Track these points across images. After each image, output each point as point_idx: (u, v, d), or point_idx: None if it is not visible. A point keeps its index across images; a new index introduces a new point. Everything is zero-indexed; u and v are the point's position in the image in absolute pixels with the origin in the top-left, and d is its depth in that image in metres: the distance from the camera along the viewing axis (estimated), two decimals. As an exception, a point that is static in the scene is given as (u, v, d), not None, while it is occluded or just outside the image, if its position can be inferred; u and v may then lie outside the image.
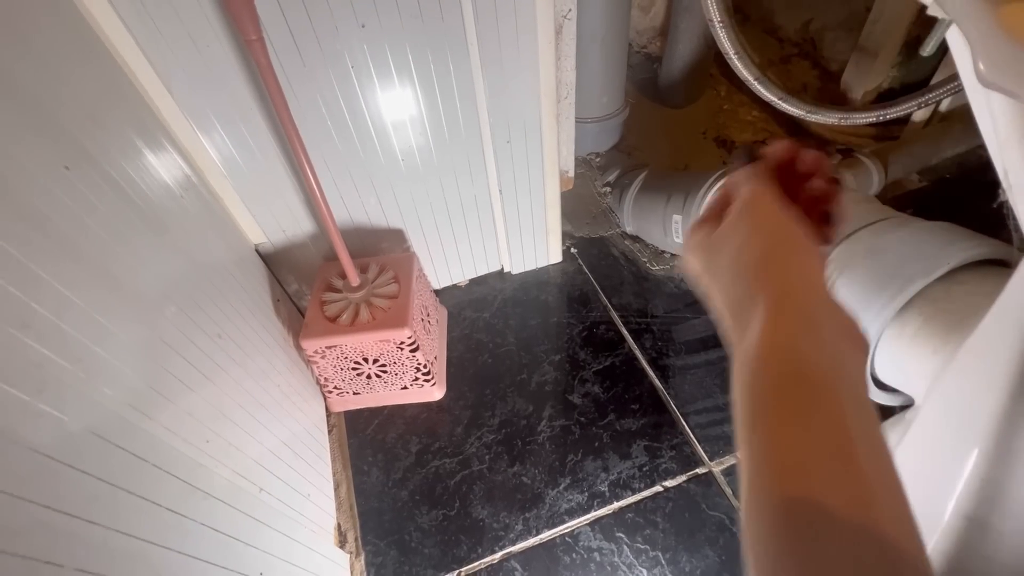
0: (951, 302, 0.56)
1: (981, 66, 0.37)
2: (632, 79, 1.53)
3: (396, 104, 0.83)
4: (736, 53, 0.90)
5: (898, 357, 0.59)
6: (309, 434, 0.87)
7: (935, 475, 0.55)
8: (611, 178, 1.33)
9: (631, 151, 1.41)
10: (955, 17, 0.39)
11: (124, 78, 0.66)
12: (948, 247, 0.59)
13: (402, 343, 0.86)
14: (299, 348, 0.88)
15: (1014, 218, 0.49)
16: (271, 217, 0.90)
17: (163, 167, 0.67)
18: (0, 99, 0.41)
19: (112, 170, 0.54)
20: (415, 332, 0.86)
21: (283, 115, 0.69)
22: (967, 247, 0.58)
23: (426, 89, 0.83)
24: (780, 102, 0.93)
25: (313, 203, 0.88)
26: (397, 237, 1.01)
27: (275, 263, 0.95)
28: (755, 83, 0.92)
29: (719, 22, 0.88)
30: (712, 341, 1.02)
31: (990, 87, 0.37)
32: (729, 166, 0.26)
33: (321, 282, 0.91)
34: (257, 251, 0.92)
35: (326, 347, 0.85)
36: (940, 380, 0.53)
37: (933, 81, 1.12)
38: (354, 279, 0.87)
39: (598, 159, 1.40)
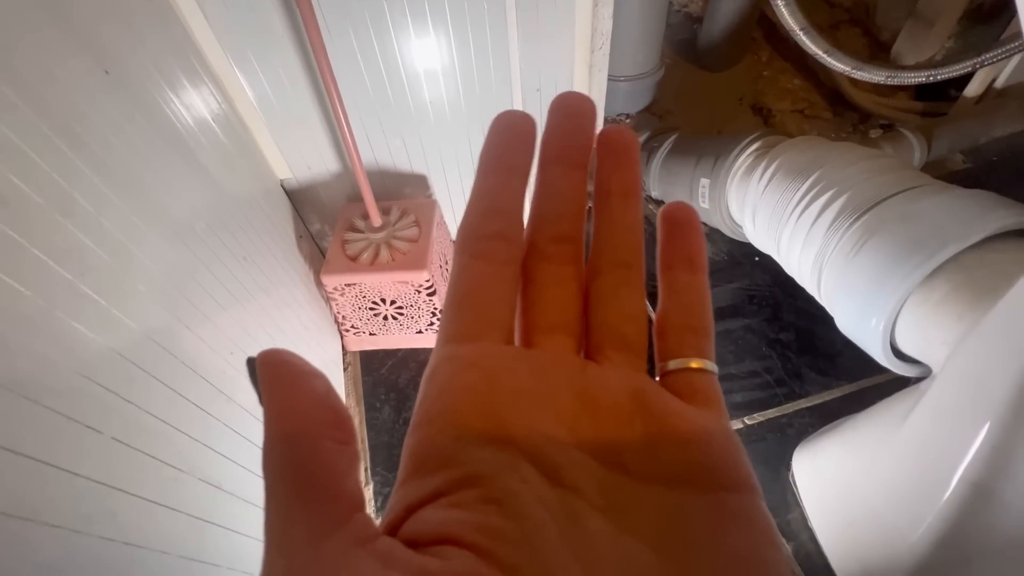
0: (983, 269, 0.55)
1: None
2: (670, 39, 1.47)
3: (428, 46, 0.82)
4: (784, 1, 0.85)
5: (921, 324, 0.58)
6: (325, 368, 0.90)
7: (946, 441, 0.55)
8: (640, 140, 1.30)
9: (663, 114, 1.38)
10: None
11: (169, 9, 0.66)
12: (986, 214, 0.57)
13: (420, 286, 0.87)
14: (319, 284, 0.90)
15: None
16: (298, 152, 0.91)
17: (197, 93, 0.68)
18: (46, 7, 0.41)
19: (150, 85, 0.55)
20: (433, 276, 0.87)
21: (317, 49, 0.69)
22: (1007, 214, 0.56)
23: (459, 33, 0.81)
24: (825, 56, 0.89)
25: (341, 140, 0.88)
26: (420, 183, 1.01)
27: (299, 200, 0.97)
28: (800, 34, 0.88)
29: None
30: (729, 311, 1.01)
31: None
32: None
33: (343, 222, 0.92)
34: (282, 186, 0.93)
35: (345, 284, 0.87)
36: (961, 346, 0.53)
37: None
38: (376, 220, 0.88)
39: (628, 120, 1.37)
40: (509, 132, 0.17)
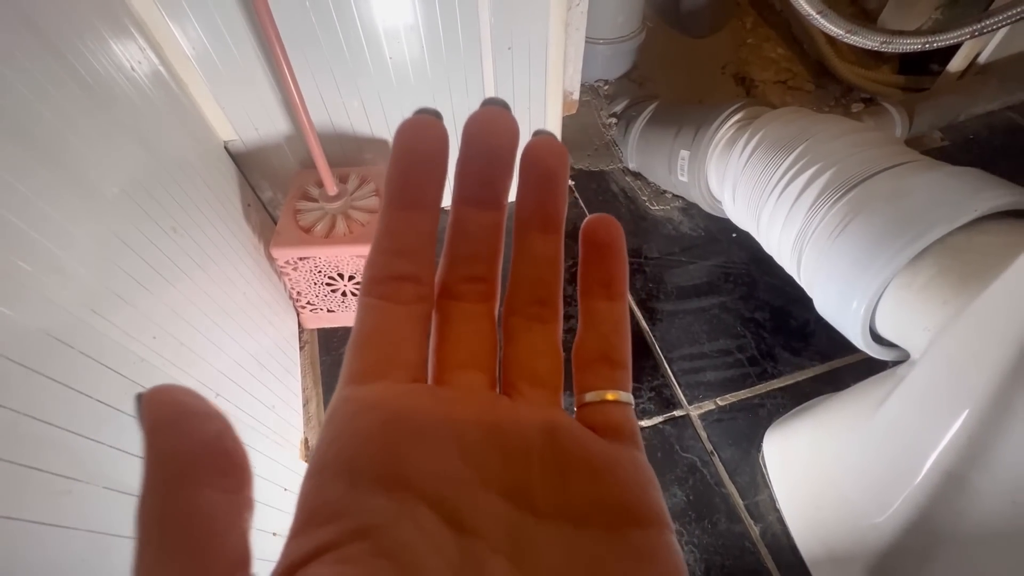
0: (972, 252, 0.52)
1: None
2: (651, 1, 1.40)
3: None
4: None
5: (904, 308, 0.56)
6: (279, 347, 0.83)
7: (921, 427, 0.53)
8: (618, 109, 1.24)
9: (643, 81, 1.31)
10: None
11: None
12: (976, 194, 0.54)
13: (380, 261, 0.81)
14: (270, 258, 0.83)
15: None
16: (243, 113, 0.82)
17: (118, 43, 0.59)
18: None
19: (55, 33, 0.47)
20: (395, 250, 0.81)
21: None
22: (998, 194, 0.53)
23: (421, -25, 0.73)
24: (819, 16, 0.83)
25: (288, 100, 0.79)
26: (382, 148, 0.93)
27: (247, 165, 0.88)
28: None
29: None
30: (704, 288, 0.99)
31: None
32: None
33: (296, 190, 0.85)
34: (227, 149, 0.85)
35: (298, 258, 0.80)
36: (945, 332, 0.50)
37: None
38: (331, 188, 0.81)
39: (606, 87, 1.30)
40: (416, 158, 0.15)
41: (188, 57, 0.73)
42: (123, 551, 0.35)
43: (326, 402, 0.85)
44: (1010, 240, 0.50)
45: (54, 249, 0.38)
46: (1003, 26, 0.79)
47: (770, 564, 0.71)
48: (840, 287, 0.61)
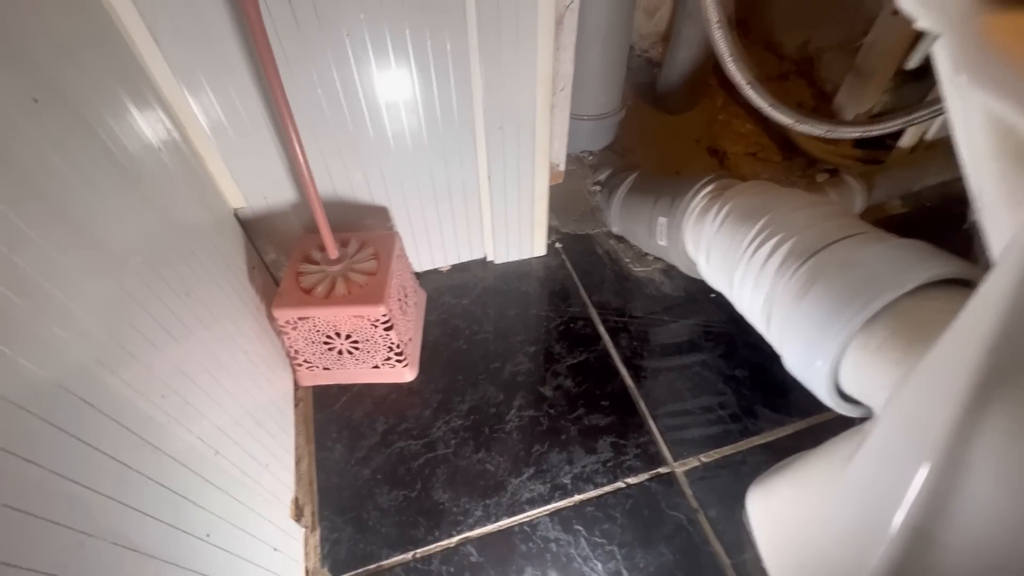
0: (918, 316, 0.57)
1: (963, 76, 0.38)
2: (631, 82, 1.53)
3: (390, 80, 0.82)
4: (731, 56, 0.90)
5: (862, 367, 0.60)
6: (274, 405, 0.85)
7: (887, 485, 0.56)
8: (602, 177, 1.33)
9: (624, 152, 1.42)
10: (939, 28, 0.40)
11: (108, 22, 0.64)
12: (919, 264, 0.60)
13: (376, 321, 0.85)
14: (271, 318, 0.86)
15: (979, 239, 0.50)
16: (253, 182, 0.88)
17: (144, 119, 0.65)
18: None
19: (87, 113, 0.53)
20: (390, 311, 0.85)
21: (271, 76, 0.68)
22: (937, 264, 0.59)
23: (422, 68, 0.82)
24: (770, 108, 0.94)
25: (296, 172, 0.86)
26: (381, 215, 1.00)
27: (254, 230, 0.94)
28: (747, 87, 0.93)
29: (716, 23, 0.88)
30: (686, 346, 1.03)
31: (969, 99, 0.38)
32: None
33: (299, 253, 0.90)
34: (236, 216, 0.91)
35: (298, 318, 0.84)
36: (898, 391, 0.54)
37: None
38: (333, 252, 0.86)
39: (591, 157, 1.41)
40: None
41: (204, 129, 0.80)
42: (125, 606, 0.37)
43: (318, 460, 0.86)
44: (949, 307, 0.56)
45: (76, 309, 0.42)
46: (929, 118, 0.89)
47: (759, 626, 0.71)
48: (805, 347, 0.66)
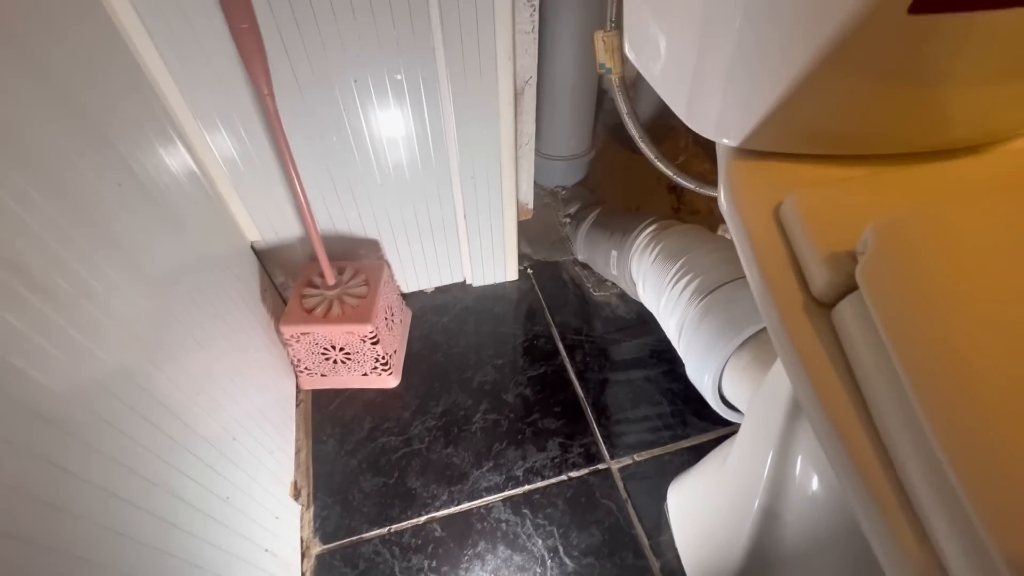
0: (770, 346, 0.74)
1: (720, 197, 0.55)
2: (604, 122, 1.71)
3: (378, 138, 1.01)
4: (627, 113, 1.02)
5: (735, 382, 0.77)
6: (279, 404, 1.03)
7: (748, 476, 0.73)
8: (572, 210, 1.51)
9: (595, 187, 1.60)
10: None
11: (141, 75, 0.77)
12: (781, 303, 0.77)
13: (365, 336, 1.03)
14: (279, 332, 1.05)
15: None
16: (265, 218, 1.07)
17: (170, 157, 0.78)
18: (36, 82, 0.53)
19: (128, 155, 0.68)
20: (377, 328, 1.03)
21: (276, 127, 0.85)
22: (792, 304, 0.76)
23: (407, 131, 1.01)
24: (655, 160, 1.06)
25: (300, 211, 1.05)
26: (372, 246, 1.18)
27: (266, 258, 1.12)
28: (640, 142, 1.05)
29: (626, 113, 1.02)
30: (632, 363, 1.19)
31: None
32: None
33: (303, 278, 1.08)
34: (252, 247, 1.09)
35: (301, 333, 1.02)
36: (752, 402, 0.71)
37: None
38: (330, 279, 1.05)
39: (564, 192, 1.59)
40: None
41: (222, 168, 0.96)
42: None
43: (314, 452, 1.04)
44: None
45: (132, 323, 0.60)
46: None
47: (666, 593, 0.87)
48: (698, 365, 0.83)
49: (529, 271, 1.40)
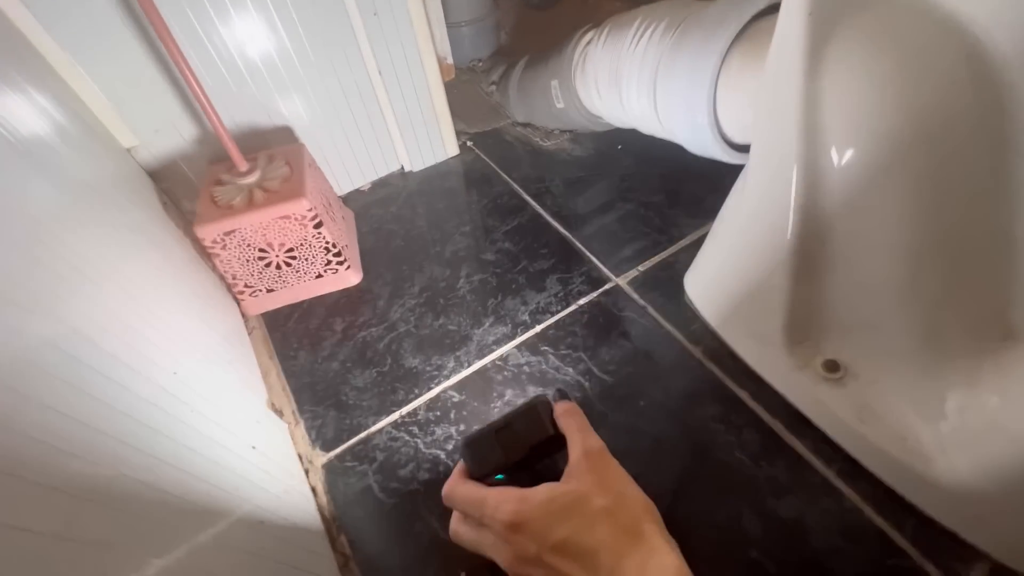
0: (759, 38, 0.66)
1: None
2: (501, -8, 1.58)
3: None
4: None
5: (731, 100, 0.68)
6: (228, 340, 0.84)
7: (774, 175, 0.64)
8: (495, 77, 1.38)
9: (510, 53, 1.47)
10: None
11: None
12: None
13: (303, 218, 0.86)
14: (198, 242, 0.86)
15: None
16: (147, 122, 0.87)
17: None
18: None
19: None
20: (314, 205, 0.87)
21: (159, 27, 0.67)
22: (767, -4, 0.68)
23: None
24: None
25: (189, 92, 0.86)
26: (286, 136, 1.00)
27: (159, 178, 0.92)
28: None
29: None
30: (606, 190, 1.10)
31: None
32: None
33: (209, 180, 0.89)
34: (132, 156, 0.89)
35: (224, 234, 0.84)
36: (760, 88, 0.62)
37: None
38: (242, 164, 0.86)
39: (480, 63, 1.45)
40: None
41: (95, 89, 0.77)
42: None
43: (284, 370, 0.88)
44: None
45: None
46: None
47: (717, 372, 0.79)
48: (687, 112, 0.74)
49: (469, 144, 1.27)
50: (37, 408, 0.32)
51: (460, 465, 0.32)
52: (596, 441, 0.30)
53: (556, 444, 0.30)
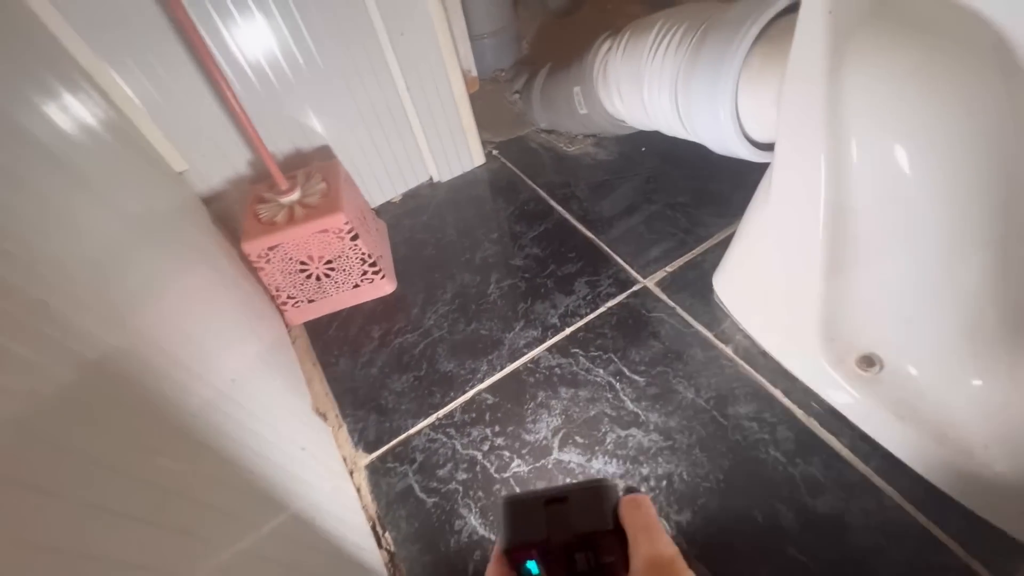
0: (780, 38, 0.66)
1: None
2: (524, 2, 1.62)
3: (294, 20, 0.88)
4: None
5: (753, 96, 0.69)
6: (274, 349, 0.89)
7: (801, 171, 0.64)
8: (518, 86, 1.41)
9: (533, 62, 1.50)
10: None
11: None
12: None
13: (340, 231, 0.91)
14: (244, 258, 0.91)
15: None
16: (196, 148, 0.93)
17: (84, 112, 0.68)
18: None
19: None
20: (351, 219, 0.91)
21: (200, 49, 0.73)
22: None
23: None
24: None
25: (232, 115, 0.92)
26: (324, 154, 1.05)
27: (208, 201, 0.98)
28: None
29: None
30: (631, 193, 1.11)
31: None
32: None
33: (252, 198, 0.95)
34: (190, 186, 0.95)
35: (268, 248, 0.89)
36: (783, 87, 0.62)
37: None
38: (283, 183, 0.91)
39: (504, 73, 1.48)
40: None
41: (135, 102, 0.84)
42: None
43: (328, 377, 0.92)
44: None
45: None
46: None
47: (749, 370, 0.79)
48: (710, 108, 0.74)
49: (495, 152, 1.30)
50: (126, 412, 0.36)
51: (496, 551, 0.26)
52: (669, 548, 0.23)
53: (609, 542, 0.25)
